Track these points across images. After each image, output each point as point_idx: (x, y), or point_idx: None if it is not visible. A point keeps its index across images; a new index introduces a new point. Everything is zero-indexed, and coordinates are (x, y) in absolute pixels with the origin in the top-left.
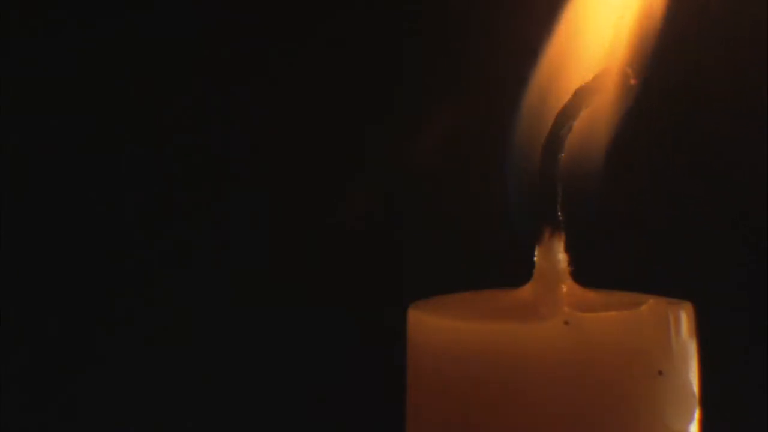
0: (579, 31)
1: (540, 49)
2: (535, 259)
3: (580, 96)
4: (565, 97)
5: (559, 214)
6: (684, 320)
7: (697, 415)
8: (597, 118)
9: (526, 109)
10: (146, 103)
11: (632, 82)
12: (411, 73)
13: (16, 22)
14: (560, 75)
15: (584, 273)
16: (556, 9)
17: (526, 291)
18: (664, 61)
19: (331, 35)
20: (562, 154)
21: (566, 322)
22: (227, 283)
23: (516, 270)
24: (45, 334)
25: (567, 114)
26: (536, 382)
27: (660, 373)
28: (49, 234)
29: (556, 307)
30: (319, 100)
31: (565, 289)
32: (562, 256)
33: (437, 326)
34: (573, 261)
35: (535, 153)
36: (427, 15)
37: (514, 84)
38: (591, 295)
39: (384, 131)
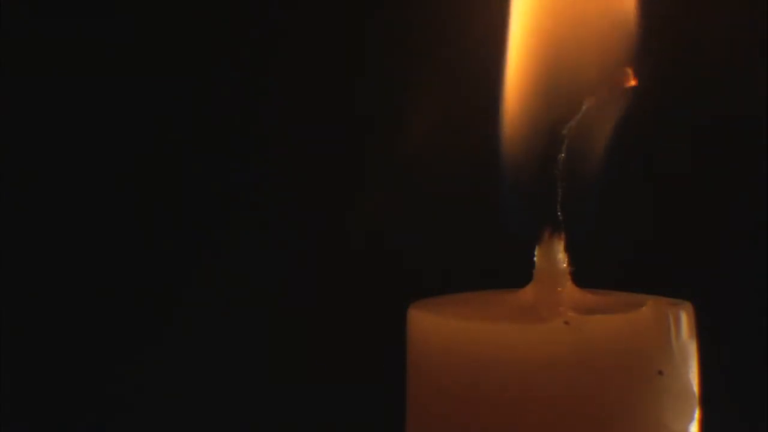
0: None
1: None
2: (535, 259)
3: (580, 96)
4: (549, 94)
5: (559, 214)
6: (684, 320)
7: (697, 415)
8: (597, 118)
9: (507, 111)
10: (147, 103)
11: (632, 83)
12: (406, 71)
13: (17, 20)
14: (539, 73)
15: (584, 273)
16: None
17: (526, 292)
18: (664, 61)
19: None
20: (562, 154)
21: (566, 323)
22: (226, 283)
23: (516, 270)
24: (44, 333)
25: (567, 114)
26: (536, 382)
27: (660, 373)
28: (49, 234)
29: (557, 308)
30: (314, 100)
31: (565, 290)
32: (562, 256)
33: (437, 326)
34: (573, 261)
35: (527, 154)
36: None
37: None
38: (591, 296)
39: (382, 131)
